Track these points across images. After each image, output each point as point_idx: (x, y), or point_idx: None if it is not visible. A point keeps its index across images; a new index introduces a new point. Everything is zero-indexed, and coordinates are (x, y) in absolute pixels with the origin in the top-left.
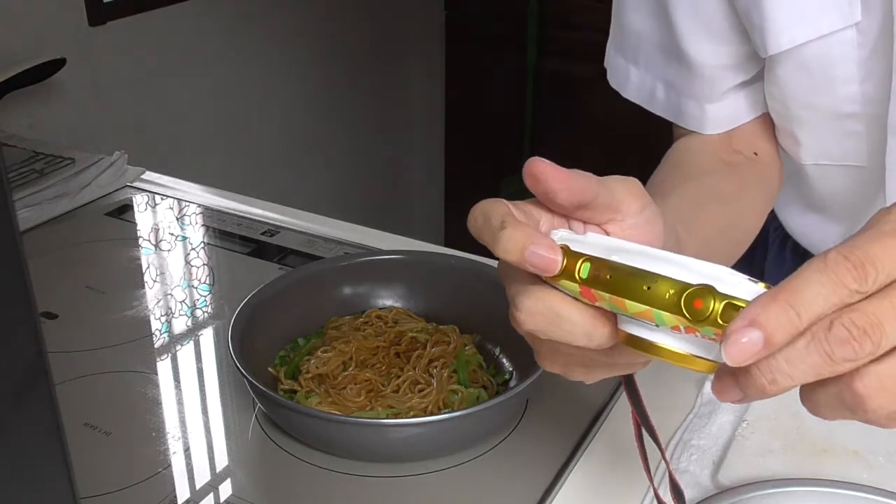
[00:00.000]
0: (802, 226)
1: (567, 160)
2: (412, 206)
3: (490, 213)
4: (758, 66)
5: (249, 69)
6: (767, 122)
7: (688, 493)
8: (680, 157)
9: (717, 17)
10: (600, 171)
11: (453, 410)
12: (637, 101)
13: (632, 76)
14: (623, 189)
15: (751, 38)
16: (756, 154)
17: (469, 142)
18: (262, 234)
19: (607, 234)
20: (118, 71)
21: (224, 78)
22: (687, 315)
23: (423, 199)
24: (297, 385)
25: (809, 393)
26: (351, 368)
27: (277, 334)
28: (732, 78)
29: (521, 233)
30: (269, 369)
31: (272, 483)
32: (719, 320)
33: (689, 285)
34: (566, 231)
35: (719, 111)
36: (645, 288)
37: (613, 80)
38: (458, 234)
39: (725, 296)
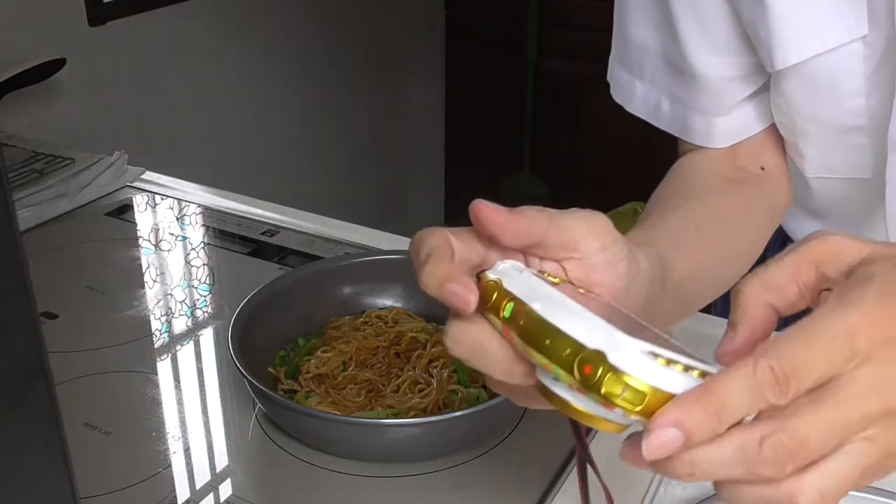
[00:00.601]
0: (803, 230)
1: (567, 160)
2: (412, 206)
3: (421, 244)
4: (766, 77)
5: (249, 69)
6: (776, 132)
7: (688, 493)
8: (683, 174)
9: (723, 29)
10: (600, 170)
11: (453, 410)
12: (642, 116)
13: (636, 90)
14: (582, 227)
15: (757, 53)
16: (763, 169)
17: (469, 142)
18: (262, 234)
19: (564, 270)
20: (118, 71)
21: (224, 78)
22: (577, 378)
23: (423, 199)
24: (297, 385)
25: (731, 488)
26: (351, 368)
27: (277, 334)
28: (741, 90)
29: (441, 269)
30: (269, 369)
31: (272, 483)
32: (602, 390)
33: (584, 348)
34: (513, 263)
35: (728, 124)
36: (547, 342)
37: (617, 95)
38: None
39: (613, 367)
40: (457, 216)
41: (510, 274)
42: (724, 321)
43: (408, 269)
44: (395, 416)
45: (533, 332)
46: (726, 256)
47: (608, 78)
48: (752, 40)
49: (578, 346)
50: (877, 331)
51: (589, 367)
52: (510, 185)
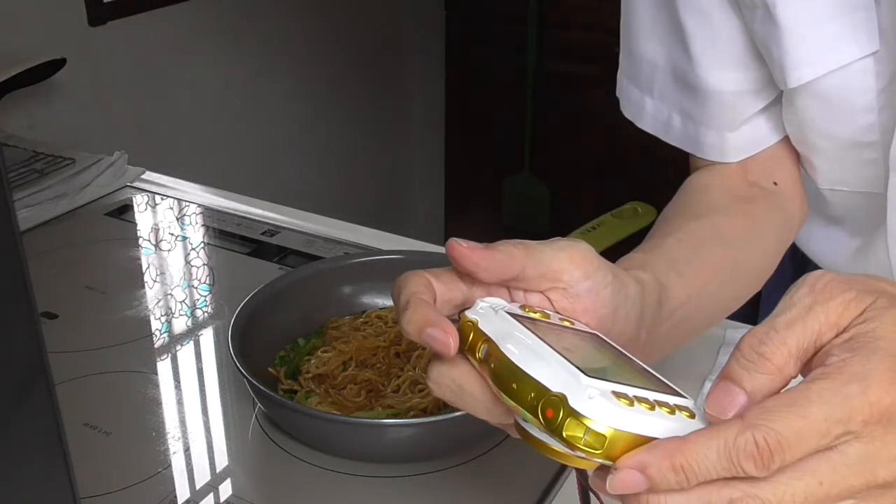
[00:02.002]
0: (818, 238)
1: (567, 160)
2: (412, 206)
3: (401, 290)
4: (778, 89)
5: (249, 69)
6: (789, 145)
7: None
8: (691, 193)
9: (736, 44)
10: (600, 170)
11: (453, 410)
12: (653, 133)
13: (647, 107)
14: (563, 258)
15: (770, 71)
16: (775, 184)
17: (469, 142)
18: (262, 234)
19: (550, 301)
20: (118, 71)
21: (224, 78)
22: (542, 421)
23: (423, 199)
24: (297, 385)
25: None
26: (351, 368)
27: (277, 334)
28: (754, 103)
29: (419, 315)
30: (269, 369)
31: (272, 483)
32: (564, 434)
33: (547, 391)
34: (493, 301)
35: (741, 137)
36: (514, 385)
37: (628, 112)
38: (457, 235)
39: (573, 410)
40: (457, 216)
41: (487, 314)
42: (731, 323)
43: (408, 269)
44: (395, 416)
45: (501, 376)
46: (731, 278)
47: (617, 94)
48: (765, 58)
49: (542, 390)
50: (875, 409)
51: (551, 411)
52: (510, 185)
